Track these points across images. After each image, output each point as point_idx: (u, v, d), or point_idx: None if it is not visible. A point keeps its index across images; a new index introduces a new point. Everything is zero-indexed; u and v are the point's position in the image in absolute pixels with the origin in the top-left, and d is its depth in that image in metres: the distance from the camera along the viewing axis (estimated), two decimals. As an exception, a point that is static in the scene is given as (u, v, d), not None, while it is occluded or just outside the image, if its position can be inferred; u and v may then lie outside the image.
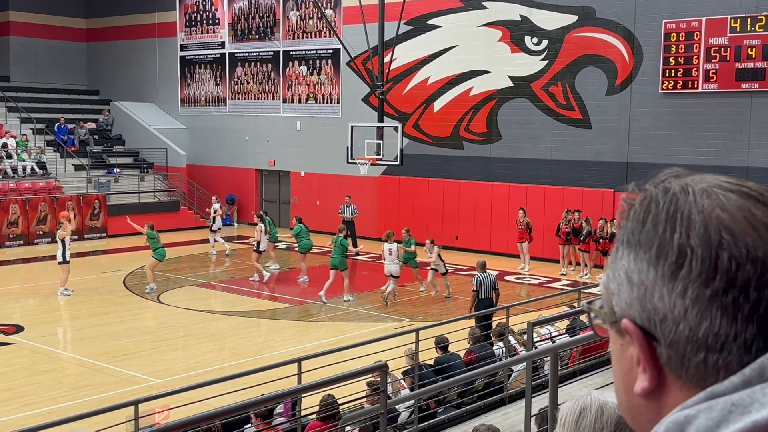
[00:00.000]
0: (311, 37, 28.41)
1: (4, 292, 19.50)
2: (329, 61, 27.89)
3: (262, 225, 20.60)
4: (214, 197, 25.61)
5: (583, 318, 11.24)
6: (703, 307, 0.74)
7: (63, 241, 18.45)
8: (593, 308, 0.86)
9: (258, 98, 30.08)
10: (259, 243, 20.42)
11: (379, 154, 21.90)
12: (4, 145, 27.57)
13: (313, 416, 8.37)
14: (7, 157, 27.35)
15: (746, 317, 0.73)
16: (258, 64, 29.94)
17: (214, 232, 24.49)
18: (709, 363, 0.74)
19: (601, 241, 20.28)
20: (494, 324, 12.52)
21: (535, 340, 9.94)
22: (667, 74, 20.76)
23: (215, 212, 24.45)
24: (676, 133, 20.89)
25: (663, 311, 0.76)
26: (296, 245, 20.54)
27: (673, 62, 20.64)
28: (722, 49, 19.88)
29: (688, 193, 0.78)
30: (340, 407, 8.28)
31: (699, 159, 20.10)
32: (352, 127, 22.51)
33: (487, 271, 14.40)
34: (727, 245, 0.74)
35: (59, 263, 18.49)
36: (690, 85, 20.44)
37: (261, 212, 22.45)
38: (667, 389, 0.78)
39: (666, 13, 20.70)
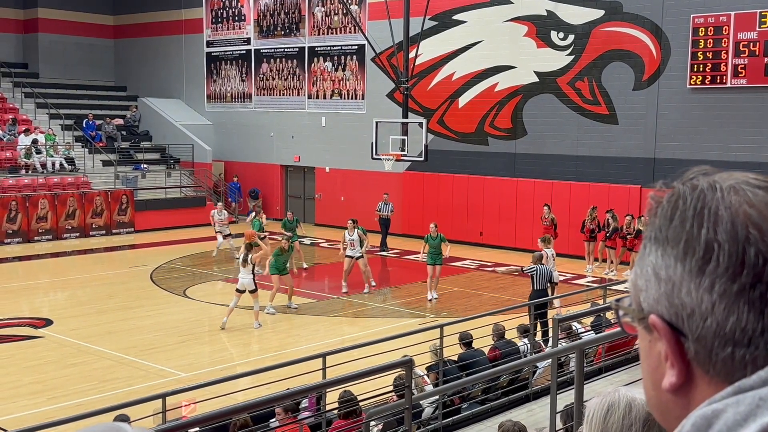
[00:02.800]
0: (336, 33, 28.44)
1: (33, 286, 19.77)
2: (354, 57, 27.92)
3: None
4: (220, 204, 23.52)
5: (609, 315, 11.18)
6: (730, 302, 0.75)
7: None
8: (621, 305, 0.87)
9: (283, 94, 30.18)
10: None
11: (403, 150, 21.88)
12: (35, 141, 27.91)
13: (336, 411, 8.40)
14: (37, 153, 27.68)
15: None
16: (283, 60, 30.04)
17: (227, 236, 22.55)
18: (737, 358, 0.75)
19: (627, 237, 20.13)
20: (548, 314, 12.69)
21: (577, 332, 9.90)
22: (695, 69, 20.55)
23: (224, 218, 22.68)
24: (704, 128, 20.67)
25: (690, 306, 0.77)
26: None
27: (702, 57, 20.42)
28: (751, 44, 19.63)
29: (715, 189, 0.79)
30: (365, 402, 8.31)
31: (727, 155, 19.87)
32: (376, 123, 22.52)
33: (544, 263, 14.54)
34: (755, 240, 0.75)
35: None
36: (718, 80, 20.21)
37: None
38: (695, 384, 0.78)
39: (694, 7, 20.48)
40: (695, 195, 0.80)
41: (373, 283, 18.81)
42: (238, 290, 15.75)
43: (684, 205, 0.80)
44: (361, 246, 18.38)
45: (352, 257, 18.37)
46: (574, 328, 11.27)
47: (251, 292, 15.70)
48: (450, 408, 9.04)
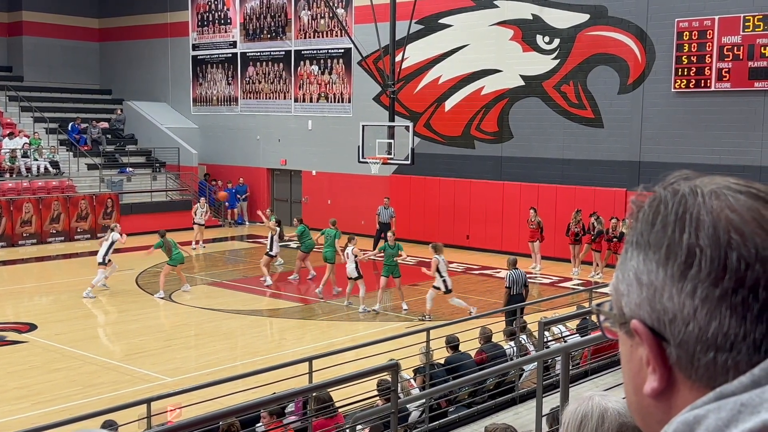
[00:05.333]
0: (322, 37, 28.44)
1: (17, 290, 19.62)
2: (340, 60, 27.92)
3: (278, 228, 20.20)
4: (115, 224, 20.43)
5: (594, 318, 11.21)
6: (712, 306, 0.75)
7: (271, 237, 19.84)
8: (603, 310, 0.86)
9: (269, 98, 30.14)
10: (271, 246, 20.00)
11: (390, 154, 21.89)
12: (23, 145, 27.76)
13: (324, 415, 8.39)
14: (22, 157, 27.51)
15: (755, 317, 0.73)
16: (269, 63, 30.00)
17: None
18: (719, 363, 0.75)
19: (613, 240, 20.21)
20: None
21: (547, 339, 9.93)
22: (679, 73, 20.68)
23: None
24: (688, 132, 20.80)
25: (672, 311, 0.77)
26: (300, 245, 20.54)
27: (686, 61, 20.55)
28: (735, 48, 19.77)
29: (697, 194, 0.79)
30: (352, 406, 8.30)
31: (712, 158, 20.01)
32: (363, 126, 22.52)
33: (518, 267, 14.50)
34: (736, 245, 0.74)
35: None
36: (703, 84, 20.35)
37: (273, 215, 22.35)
38: (676, 389, 0.78)
39: (679, 11, 20.61)
40: (677, 200, 0.79)
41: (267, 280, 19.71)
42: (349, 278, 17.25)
43: (665, 209, 0.80)
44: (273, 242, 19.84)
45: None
46: (559, 330, 11.29)
47: (355, 279, 17.11)
48: (437, 411, 9.04)
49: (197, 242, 24.93)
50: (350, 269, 17.25)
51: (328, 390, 7.57)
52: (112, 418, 8.01)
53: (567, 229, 21.16)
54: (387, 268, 17.20)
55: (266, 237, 21.01)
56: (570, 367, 6.26)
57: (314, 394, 7.88)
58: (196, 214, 25.33)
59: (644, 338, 0.79)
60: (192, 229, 25.27)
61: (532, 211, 21.70)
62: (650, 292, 0.79)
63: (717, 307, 0.74)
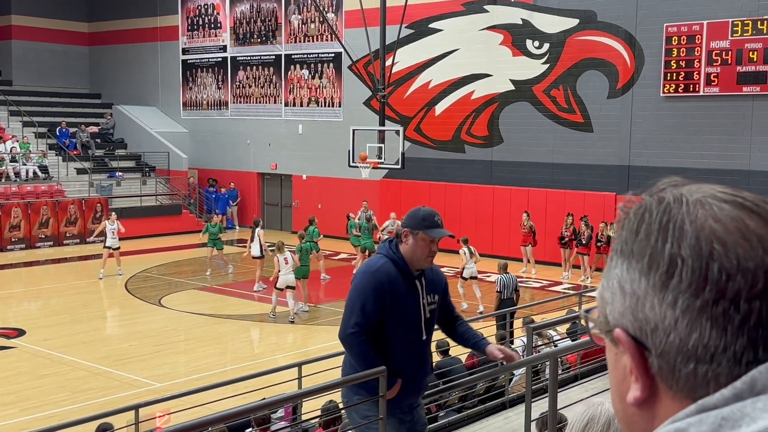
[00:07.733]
0: (313, 41, 28.43)
1: (6, 295, 19.51)
2: (331, 64, 27.92)
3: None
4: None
5: (582, 322, 11.22)
6: (692, 317, 0.74)
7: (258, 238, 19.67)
8: (590, 317, 0.86)
9: (260, 102, 30.11)
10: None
11: (380, 158, 21.89)
12: (12, 149, 27.62)
13: (314, 421, 8.37)
14: (11, 161, 27.37)
15: (736, 329, 0.73)
16: (260, 67, 29.97)
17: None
18: (699, 374, 0.74)
19: (600, 244, 20.25)
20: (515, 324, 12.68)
21: (537, 344, 9.94)
22: (668, 78, 20.76)
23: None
24: (677, 136, 20.88)
25: (654, 321, 0.76)
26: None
27: (675, 66, 20.64)
28: (723, 53, 19.87)
29: (682, 203, 0.78)
30: (341, 411, 8.27)
31: (701, 162, 20.09)
32: (353, 130, 22.51)
33: (509, 272, 14.53)
34: (718, 256, 0.74)
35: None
36: (691, 89, 20.44)
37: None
38: (659, 399, 0.78)
39: (667, 16, 20.70)
40: (661, 208, 0.79)
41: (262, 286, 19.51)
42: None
43: (650, 218, 0.79)
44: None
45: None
46: (550, 335, 11.30)
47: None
48: (427, 416, 9.02)
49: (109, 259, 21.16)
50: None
51: (318, 395, 7.55)
52: (108, 422, 7.96)
53: (561, 234, 21.20)
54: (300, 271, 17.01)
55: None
56: (559, 372, 6.27)
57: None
58: (106, 235, 21.07)
59: (627, 347, 0.79)
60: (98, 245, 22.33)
61: (524, 215, 21.72)
62: (633, 301, 0.78)
63: (697, 318, 0.74)
